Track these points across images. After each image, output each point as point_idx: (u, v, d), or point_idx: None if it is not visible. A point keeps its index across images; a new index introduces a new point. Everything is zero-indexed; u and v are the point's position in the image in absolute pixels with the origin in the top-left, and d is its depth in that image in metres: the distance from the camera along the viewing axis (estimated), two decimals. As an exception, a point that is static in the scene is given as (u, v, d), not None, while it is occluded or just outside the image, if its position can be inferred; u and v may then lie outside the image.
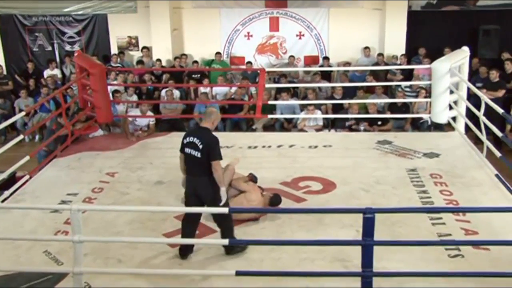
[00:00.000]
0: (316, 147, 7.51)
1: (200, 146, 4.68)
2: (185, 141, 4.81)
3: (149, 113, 8.51)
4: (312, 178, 6.46)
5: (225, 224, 4.84)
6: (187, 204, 4.84)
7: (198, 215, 4.91)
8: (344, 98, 9.94)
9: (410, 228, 5.23)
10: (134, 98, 10.20)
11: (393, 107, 9.69)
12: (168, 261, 4.84)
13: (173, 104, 10.21)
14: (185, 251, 4.85)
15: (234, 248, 4.85)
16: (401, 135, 8.05)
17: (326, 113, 10.02)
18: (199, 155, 4.67)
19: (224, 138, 7.95)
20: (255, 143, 7.69)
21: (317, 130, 9.44)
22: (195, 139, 4.72)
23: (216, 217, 4.90)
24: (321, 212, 5.43)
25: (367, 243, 4.01)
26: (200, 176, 4.71)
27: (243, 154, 7.23)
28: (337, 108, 9.86)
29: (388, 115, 9.43)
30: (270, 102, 9.32)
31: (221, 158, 4.69)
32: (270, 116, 9.35)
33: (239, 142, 7.69)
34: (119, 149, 7.55)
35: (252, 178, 5.76)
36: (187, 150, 4.76)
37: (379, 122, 9.51)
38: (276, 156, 7.21)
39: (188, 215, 4.87)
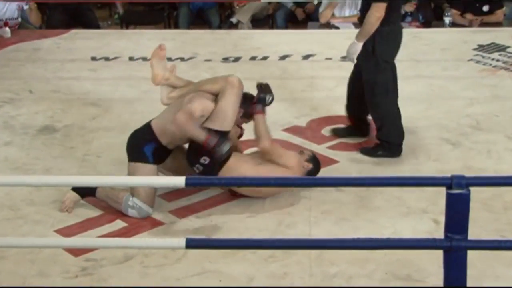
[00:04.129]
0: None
1: None
2: None
3: None
4: (347, 120, 6.47)
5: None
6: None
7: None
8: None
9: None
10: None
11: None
12: (67, 281, 4.82)
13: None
14: None
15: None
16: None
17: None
18: None
19: (176, 41, 8.07)
20: (236, 51, 7.78)
21: (357, 25, 9.40)
22: None
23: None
24: (366, 185, 5.29)
25: (455, 245, 4.00)
26: None
27: (214, 72, 7.15)
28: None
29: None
30: (264, -29, 9.30)
31: None
32: (264, -3, 9.37)
33: (204, 50, 7.77)
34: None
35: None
36: None
37: (485, 8, 9.45)
38: (278, 77, 7.25)
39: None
